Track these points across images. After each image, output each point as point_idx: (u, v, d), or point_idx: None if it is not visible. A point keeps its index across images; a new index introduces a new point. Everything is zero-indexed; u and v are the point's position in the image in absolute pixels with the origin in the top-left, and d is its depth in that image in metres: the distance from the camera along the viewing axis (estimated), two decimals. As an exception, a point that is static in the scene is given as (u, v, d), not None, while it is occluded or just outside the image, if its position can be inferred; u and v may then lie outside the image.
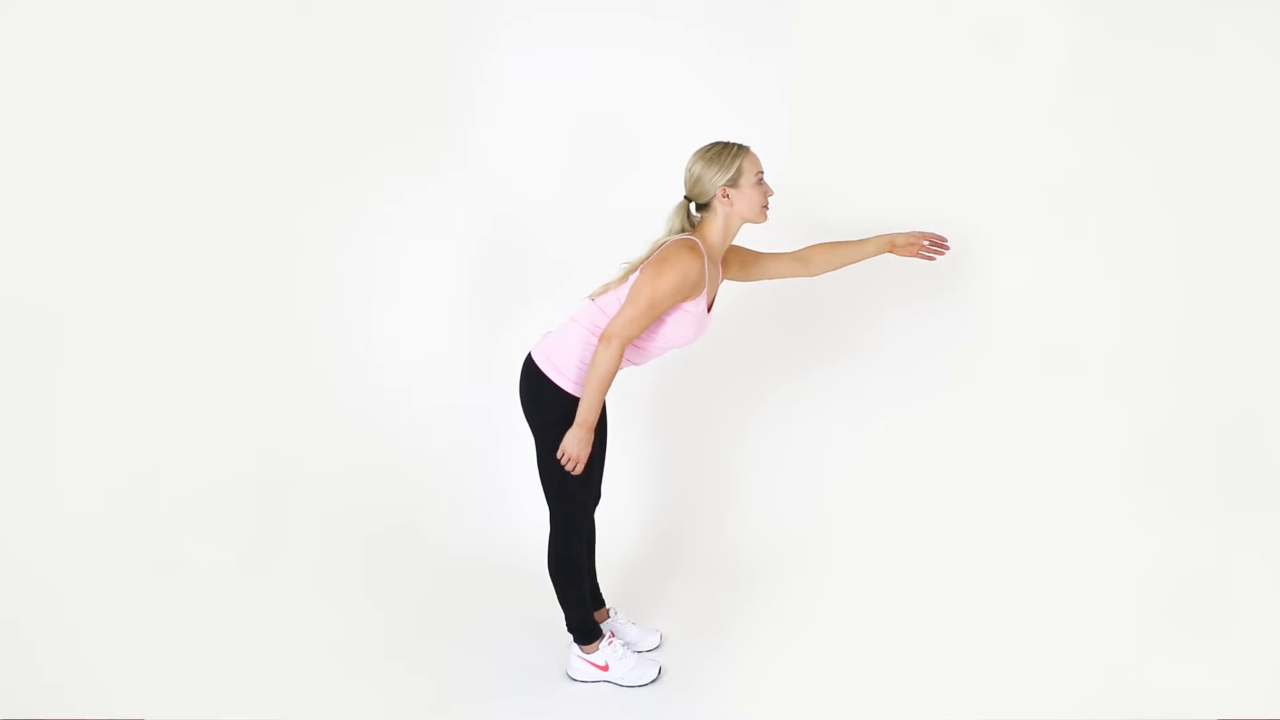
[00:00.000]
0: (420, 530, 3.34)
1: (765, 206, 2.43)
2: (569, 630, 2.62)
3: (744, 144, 2.41)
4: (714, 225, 2.42)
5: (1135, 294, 3.31)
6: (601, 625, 2.70)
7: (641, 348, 2.45)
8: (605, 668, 2.61)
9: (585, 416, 2.37)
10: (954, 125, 3.27)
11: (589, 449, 2.39)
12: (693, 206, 2.45)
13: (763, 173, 2.43)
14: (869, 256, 2.69)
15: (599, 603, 2.78)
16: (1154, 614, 2.86)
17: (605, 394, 2.37)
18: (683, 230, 2.42)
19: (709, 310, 2.46)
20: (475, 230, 3.46)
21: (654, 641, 2.79)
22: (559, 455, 2.40)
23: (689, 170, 2.41)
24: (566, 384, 2.41)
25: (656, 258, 2.36)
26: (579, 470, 2.40)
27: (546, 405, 2.43)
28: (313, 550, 3.18)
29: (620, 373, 2.49)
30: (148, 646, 2.71)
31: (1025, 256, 3.33)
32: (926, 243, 2.64)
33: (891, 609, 2.94)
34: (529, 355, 2.49)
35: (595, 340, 2.40)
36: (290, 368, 3.41)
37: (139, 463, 3.22)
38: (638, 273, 2.38)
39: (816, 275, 2.73)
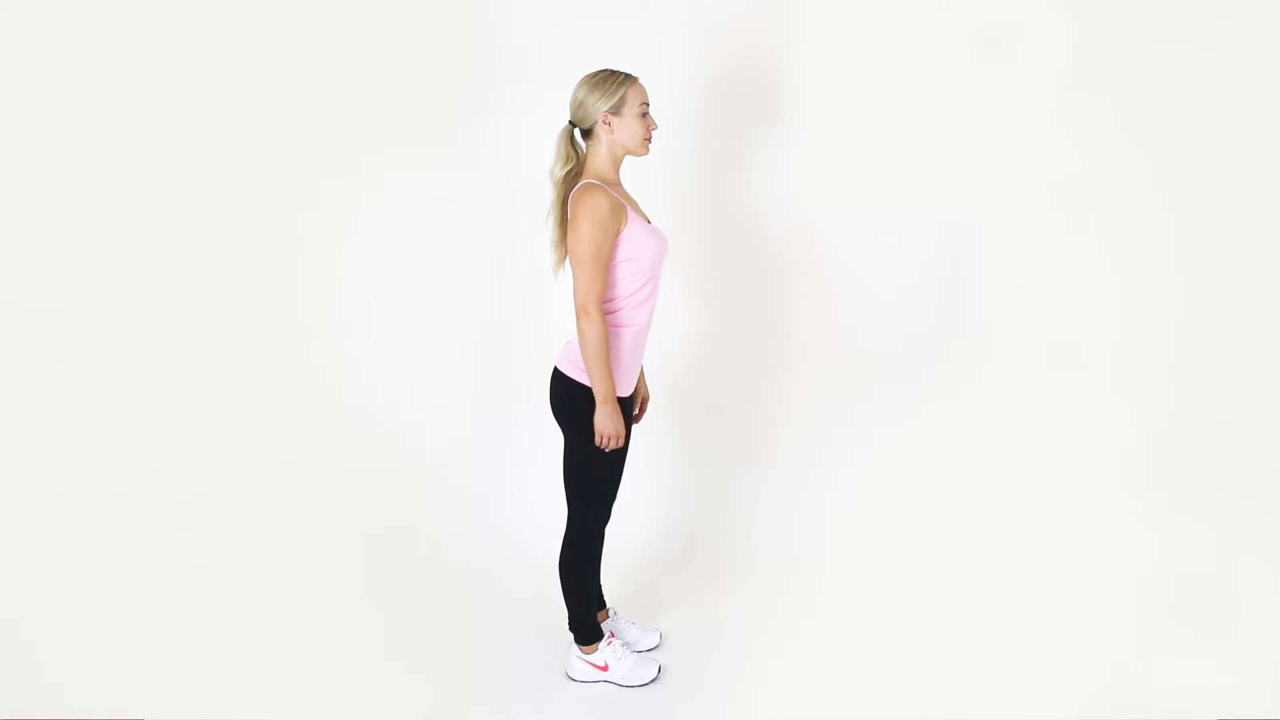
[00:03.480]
0: (420, 530, 3.34)
1: (648, 139, 2.42)
2: (570, 629, 2.62)
3: (632, 74, 2.41)
4: (599, 154, 2.42)
5: (1136, 293, 3.31)
6: (601, 625, 2.70)
7: (623, 302, 2.42)
8: (605, 668, 2.61)
9: (603, 393, 2.36)
10: (954, 125, 3.27)
11: (622, 422, 2.39)
12: (578, 133, 2.44)
13: (648, 105, 2.41)
14: None
15: (600, 603, 2.78)
16: (1155, 613, 2.86)
17: (608, 364, 2.35)
18: (568, 158, 2.42)
19: (649, 223, 2.46)
20: (475, 230, 3.46)
21: (654, 641, 2.79)
22: (597, 440, 2.39)
23: (574, 94, 2.41)
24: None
25: (569, 220, 2.37)
26: (619, 444, 2.40)
27: (577, 404, 2.42)
28: (313, 550, 3.18)
29: (644, 346, 2.50)
30: (148, 646, 2.71)
31: (1026, 256, 3.33)
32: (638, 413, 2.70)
33: (892, 607, 2.94)
34: (555, 368, 2.49)
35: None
36: (290, 368, 3.41)
37: (139, 463, 3.22)
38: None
39: None
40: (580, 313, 2.33)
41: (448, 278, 3.48)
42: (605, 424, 2.37)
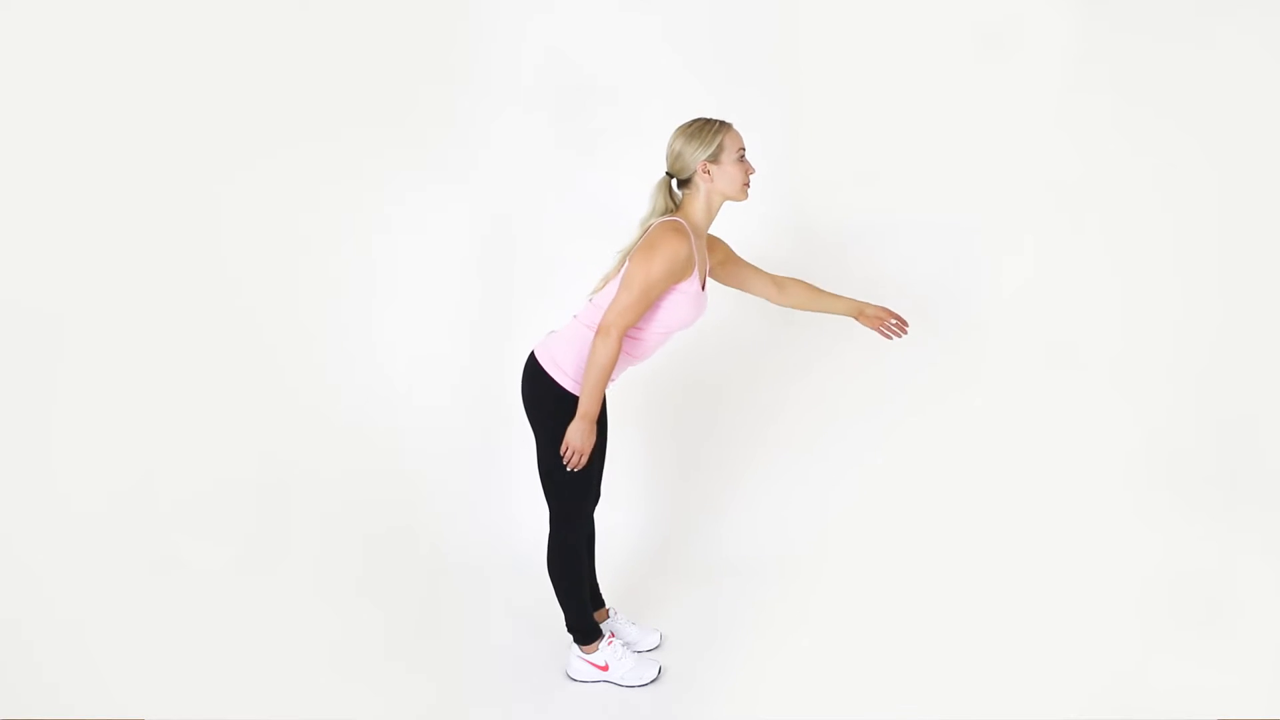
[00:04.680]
0: (420, 530, 3.33)
1: (746, 184, 2.42)
2: (569, 630, 2.62)
3: (726, 120, 2.41)
4: (696, 202, 2.41)
5: (1136, 293, 3.31)
6: (601, 625, 2.70)
7: (641, 337, 2.44)
8: (605, 668, 2.61)
9: (587, 408, 2.36)
10: (954, 125, 3.27)
11: (592, 442, 2.39)
12: (674, 183, 2.44)
13: (744, 150, 2.42)
14: (836, 313, 2.74)
15: (599, 603, 2.78)
16: (1155, 613, 2.86)
17: (605, 386, 2.36)
18: (666, 209, 2.42)
19: (703, 289, 2.46)
20: (476, 230, 3.46)
21: (654, 641, 2.79)
22: (562, 450, 2.39)
23: (670, 146, 2.40)
24: (569, 383, 2.41)
25: (644, 243, 2.35)
26: (582, 464, 2.40)
27: (549, 404, 2.42)
28: (313, 550, 3.18)
29: (625, 372, 2.49)
30: (148, 646, 2.71)
31: (1026, 256, 3.33)
32: (893, 321, 2.69)
33: (892, 607, 2.94)
34: (532, 353, 2.49)
35: None
36: (290, 368, 3.41)
37: (139, 463, 3.22)
38: (630, 261, 2.37)
39: (783, 306, 2.76)
40: (602, 330, 2.33)
41: (448, 278, 3.48)
42: (576, 439, 2.37)
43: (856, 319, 2.72)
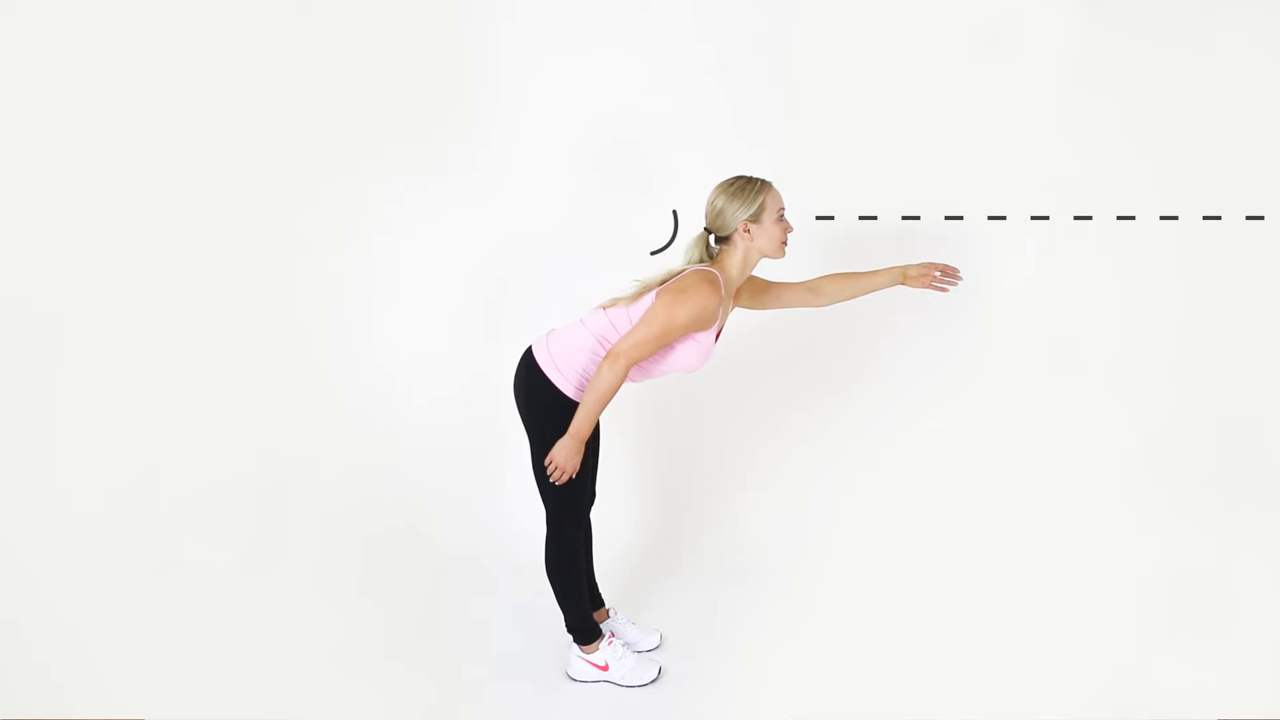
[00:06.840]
0: (420, 530, 3.34)
1: (784, 243, 2.43)
2: (568, 630, 2.62)
3: (766, 179, 2.42)
4: (733, 259, 2.42)
5: (1136, 294, 3.31)
6: (601, 625, 2.70)
7: (646, 369, 2.45)
8: (605, 668, 2.61)
9: (579, 429, 2.36)
10: (955, 125, 3.27)
11: (579, 462, 2.39)
12: (712, 238, 2.45)
13: (784, 209, 2.43)
14: (881, 288, 2.69)
15: (598, 603, 2.78)
16: (1155, 613, 2.86)
17: (603, 410, 2.37)
18: (701, 261, 2.42)
19: (716, 339, 2.47)
20: (475, 230, 3.46)
21: (654, 641, 2.79)
22: (546, 462, 2.40)
23: (711, 204, 2.41)
24: (567, 388, 2.41)
25: (675, 286, 2.35)
26: (564, 481, 2.40)
27: (543, 405, 2.43)
28: (313, 550, 3.18)
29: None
30: (148, 646, 2.71)
31: (1026, 256, 3.33)
32: (938, 273, 2.64)
33: (892, 608, 2.94)
34: (530, 349, 2.49)
35: (601, 351, 2.40)
36: (290, 368, 3.41)
37: (139, 463, 3.22)
38: (653, 295, 2.37)
39: (827, 305, 2.74)
40: (612, 356, 2.33)
41: (448, 278, 3.48)
42: (562, 456, 2.38)
43: (903, 284, 2.66)
